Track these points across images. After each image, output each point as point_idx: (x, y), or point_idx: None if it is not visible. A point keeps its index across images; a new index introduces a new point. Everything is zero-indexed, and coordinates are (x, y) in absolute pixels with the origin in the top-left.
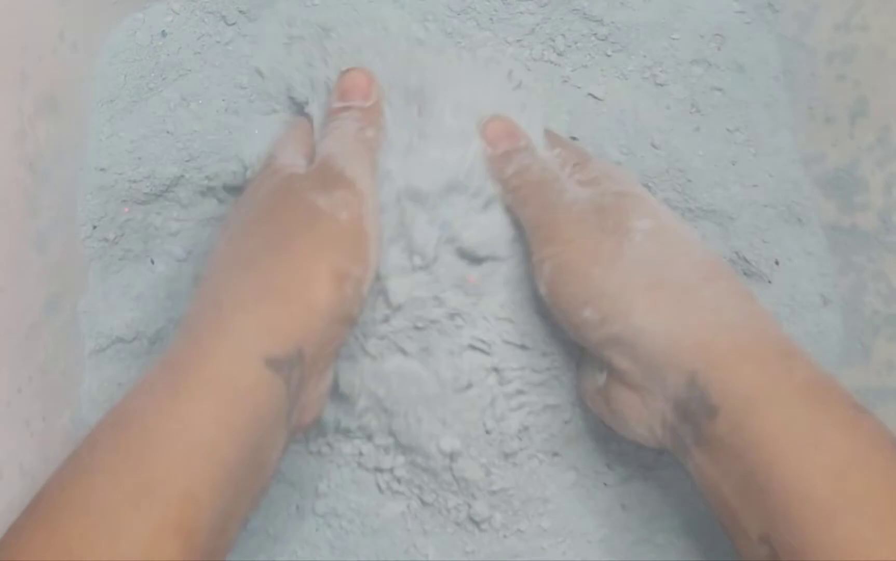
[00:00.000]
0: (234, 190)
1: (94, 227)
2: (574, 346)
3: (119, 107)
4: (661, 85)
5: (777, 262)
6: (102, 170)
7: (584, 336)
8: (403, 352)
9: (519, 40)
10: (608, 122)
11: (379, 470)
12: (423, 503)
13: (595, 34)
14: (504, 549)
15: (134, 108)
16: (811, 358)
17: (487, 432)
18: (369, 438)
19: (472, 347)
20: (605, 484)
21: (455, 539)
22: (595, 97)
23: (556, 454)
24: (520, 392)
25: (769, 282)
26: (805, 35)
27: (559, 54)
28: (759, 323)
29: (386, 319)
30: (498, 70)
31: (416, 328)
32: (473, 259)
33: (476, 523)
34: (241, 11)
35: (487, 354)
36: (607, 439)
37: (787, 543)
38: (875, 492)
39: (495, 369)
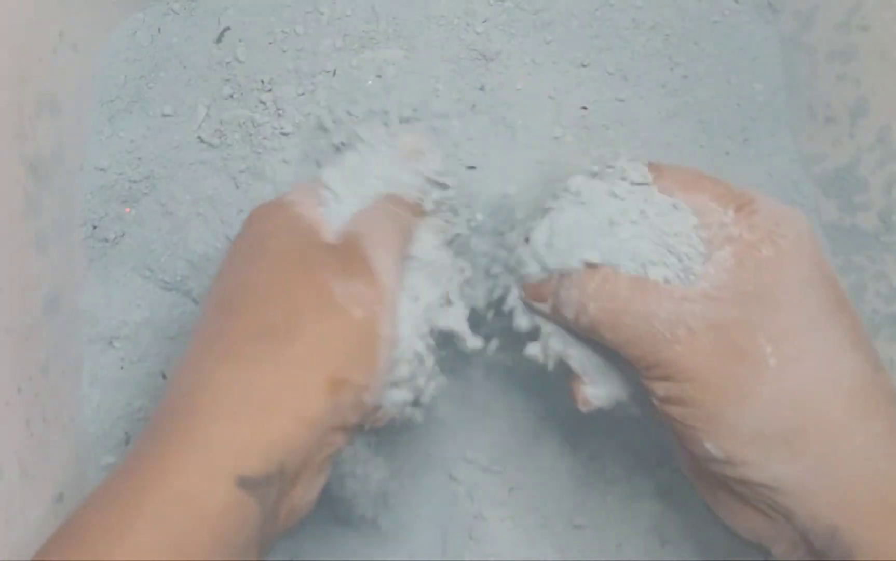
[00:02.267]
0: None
1: (94, 227)
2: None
3: (119, 107)
4: (662, 85)
5: None
6: (102, 170)
7: (703, 463)
8: None
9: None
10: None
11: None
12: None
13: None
14: None
15: (134, 108)
16: None
17: None
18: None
19: None
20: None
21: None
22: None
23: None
24: None
25: None
26: (805, 35)
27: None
28: None
29: None
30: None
31: None
32: None
33: None
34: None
35: None
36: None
37: None
38: None
39: None
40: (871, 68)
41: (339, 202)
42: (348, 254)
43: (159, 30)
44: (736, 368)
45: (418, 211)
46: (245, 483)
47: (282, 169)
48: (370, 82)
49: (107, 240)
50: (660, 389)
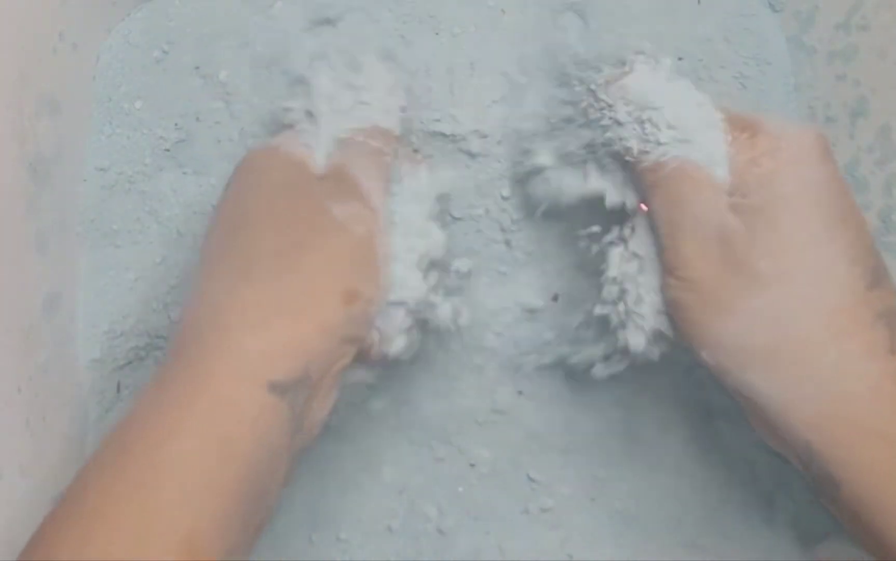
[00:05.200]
0: None
1: (94, 227)
2: None
3: (119, 107)
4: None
5: None
6: (102, 170)
7: (703, 364)
8: None
9: None
10: None
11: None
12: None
13: None
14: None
15: (133, 107)
16: None
17: None
18: None
19: None
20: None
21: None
22: None
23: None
24: None
25: None
26: (805, 35)
27: None
28: (889, 390)
29: None
30: None
31: None
32: None
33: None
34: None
35: None
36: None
37: None
38: None
39: None
40: (871, 68)
41: (320, 138)
42: (339, 180)
43: (159, 29)
44: (731, 279)
45: (393, 139)
46: (276, 388)
47: None
48: None
49: (106, 239)
50: (671, 285)
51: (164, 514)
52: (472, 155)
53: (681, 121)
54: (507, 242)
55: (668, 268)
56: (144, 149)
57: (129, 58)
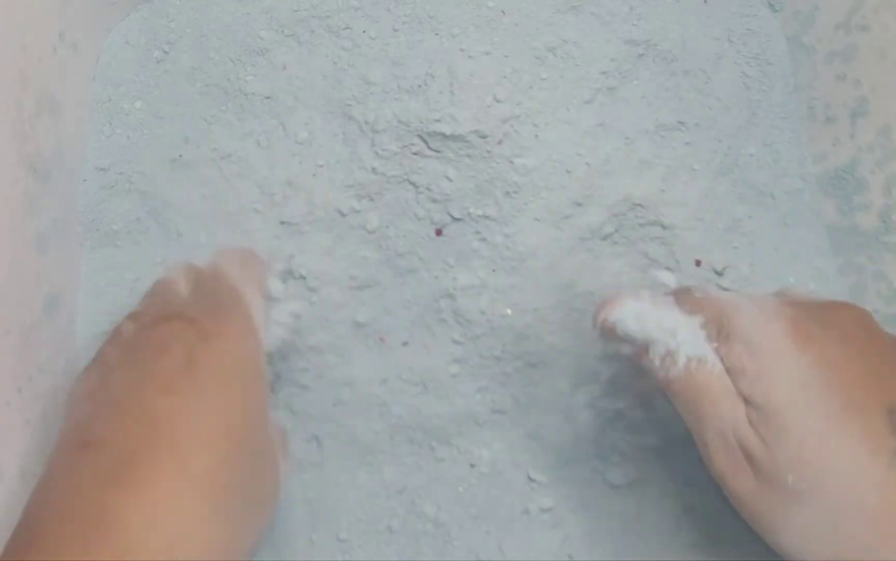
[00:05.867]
0: None
1: (95, 227)
2: None
3: (119, 107)
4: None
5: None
6: (102, 170)
7: None
8: None
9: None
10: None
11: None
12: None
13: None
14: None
15: (133, 108)
16: None
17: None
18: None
19: None
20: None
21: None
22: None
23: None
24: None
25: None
26: (805, 35)
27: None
28: None
29: None
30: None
31: None
32: None
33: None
34: None
35: None
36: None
37: None
38: None
39: None
40: (871, 68)
41: None
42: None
43: (159, 29)
44: (771, 495)
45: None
46: None
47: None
48: None
49: (107, 239)
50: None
51: None
52: (471, 155)
53: (671, 332)
54: (506, 244)
55: (705, 460)
56: (144, 149)
57: (129, 58)
